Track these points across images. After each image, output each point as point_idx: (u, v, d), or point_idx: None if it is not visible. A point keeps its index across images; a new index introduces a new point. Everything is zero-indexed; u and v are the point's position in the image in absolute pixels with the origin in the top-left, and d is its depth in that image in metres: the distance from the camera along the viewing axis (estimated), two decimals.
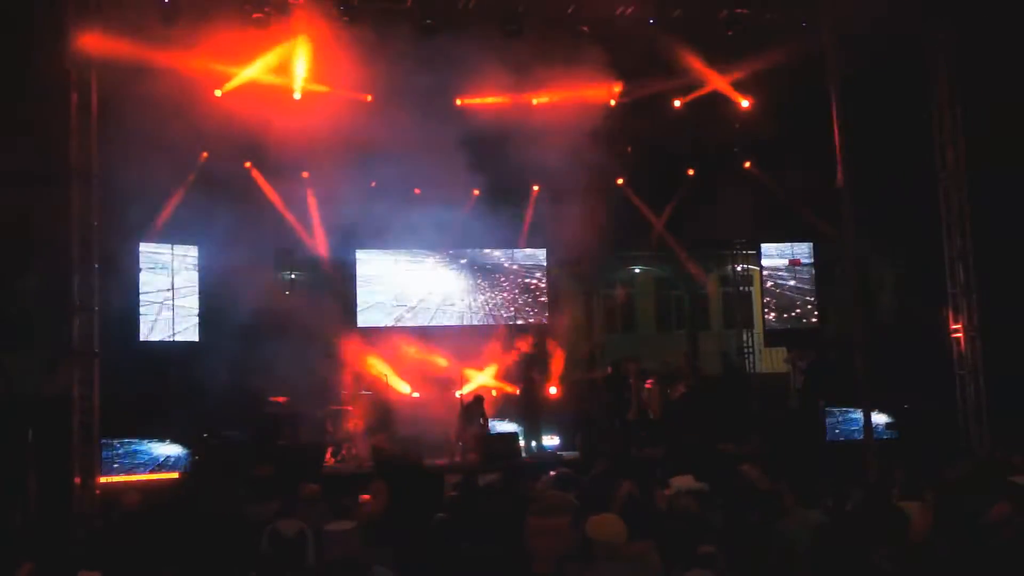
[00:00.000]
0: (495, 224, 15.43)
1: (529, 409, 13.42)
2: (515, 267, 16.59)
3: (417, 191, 14.84)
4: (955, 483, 7.29)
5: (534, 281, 16.62)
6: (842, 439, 12.66)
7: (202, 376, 12.02)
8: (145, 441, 11.33)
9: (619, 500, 6.63)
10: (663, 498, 6.56)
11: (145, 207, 12.36)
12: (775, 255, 15.89)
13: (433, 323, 16.06)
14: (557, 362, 14.72)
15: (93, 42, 10.06)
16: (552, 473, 8.62)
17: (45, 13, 10.06)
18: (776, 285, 15.79)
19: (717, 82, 13.59)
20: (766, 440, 12.57)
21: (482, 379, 14.49)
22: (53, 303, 9.97)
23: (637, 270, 19.96)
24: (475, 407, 13.17)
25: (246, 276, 12.94)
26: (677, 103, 14.07)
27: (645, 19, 11.57)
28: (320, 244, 14.98)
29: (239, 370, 12.50)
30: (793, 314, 15.65)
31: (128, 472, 11.07)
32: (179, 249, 13.64)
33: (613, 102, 13.60)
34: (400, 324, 15.77)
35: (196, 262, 13.82)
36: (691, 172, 16.15)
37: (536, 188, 15.85)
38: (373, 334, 15.29)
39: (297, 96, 12.49)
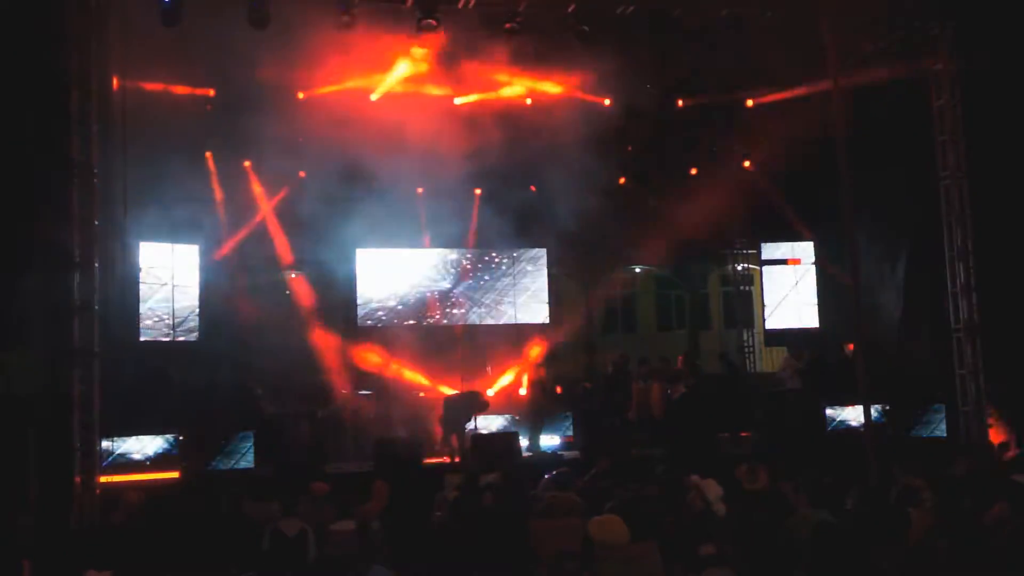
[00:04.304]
0: (496, 223, 15.43)
1: (536, 409, 13.33)
2: (515, 266, 16.58)
3: (420, 190, 14.85)
4: (955, 482, 7.30)
5: (534, 281, 16.61)
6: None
7: (201, 376, 12.01)
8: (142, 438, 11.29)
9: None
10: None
11: (146, 207, 12.33)
12: (775, 255, 15.86)
13: (432, 323, 16.05)
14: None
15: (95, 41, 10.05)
16: (546, 476, 8.61)
17: (46, 10, 10.01)
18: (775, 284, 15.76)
19: (717, 80, 13.59)
20: (766, 439, 12.56)
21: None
22: (53, 303, 9.92)
23: (637, 270, 19.94)
24: (461, 408, 13.00)
25: (246, 276, 12.91)
26: (679, 102, 14.06)
27: (645, 19, 11.58)
28: (320, 243, 14.96)
29: (239, 370, 12.49)
30: (793, 314, 15.61)
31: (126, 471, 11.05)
32: (179, 249, 13.62)
33: (608, 101, 13.59)
34: (399, 324, 15.75)
35: (196, 262, 13.80)
36: (694, 172, 16.15)
37: (533, 188, 15.83)
38: (373, 333, 15.29)
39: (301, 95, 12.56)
